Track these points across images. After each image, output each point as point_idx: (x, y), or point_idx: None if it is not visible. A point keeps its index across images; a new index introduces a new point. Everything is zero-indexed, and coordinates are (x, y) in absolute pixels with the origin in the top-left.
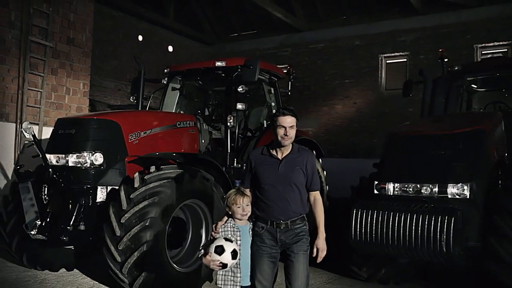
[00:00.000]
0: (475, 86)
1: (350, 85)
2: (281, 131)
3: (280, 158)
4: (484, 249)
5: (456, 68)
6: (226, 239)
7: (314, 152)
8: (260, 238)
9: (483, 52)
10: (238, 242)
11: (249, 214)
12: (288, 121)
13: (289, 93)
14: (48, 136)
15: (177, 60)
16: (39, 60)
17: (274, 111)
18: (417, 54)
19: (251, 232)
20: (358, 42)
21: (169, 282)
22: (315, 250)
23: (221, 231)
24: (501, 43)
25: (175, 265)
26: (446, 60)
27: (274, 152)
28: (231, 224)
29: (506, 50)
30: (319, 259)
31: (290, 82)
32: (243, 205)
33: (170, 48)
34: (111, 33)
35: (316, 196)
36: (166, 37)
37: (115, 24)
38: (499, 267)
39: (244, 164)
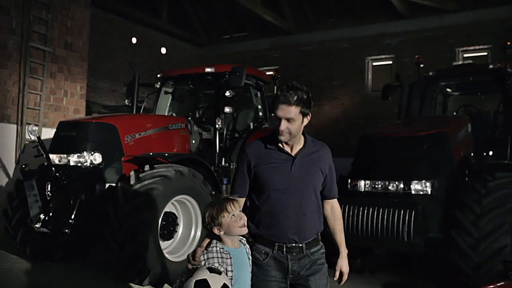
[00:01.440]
0: (450, 90)
1: (337, 86)
2: (276, 124)
3: (293, 154)
4: (444, 240)
5: (430, 73)
6: (212, 270)
7: None
8: (263, 269)
9: (464, 55)
10: (230, 273)
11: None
12: (287, 111)
13: (275, 96)
14: (47, 137)
15: (170, 61)
16: (39, 64)
17: (260, 113)
18: (402, 57)
19: (250, 258)
20: (345, 45)
21: (161, 270)
22: (337, 273)
23: (204, 260)
24: (480, 47)
25: (167, 255)
26: (422, 65)
27: (282, 146)
28: (217, 248)
29: (486, 54)
30: (342, 283)
31: (276, 86)
32: (237, 211)
33: (163, 50)
34: (106, 36)
35: (334, 205)
36: (159, 39)
37: (109, 27)
38: (458, 255)
39: (232, 163)
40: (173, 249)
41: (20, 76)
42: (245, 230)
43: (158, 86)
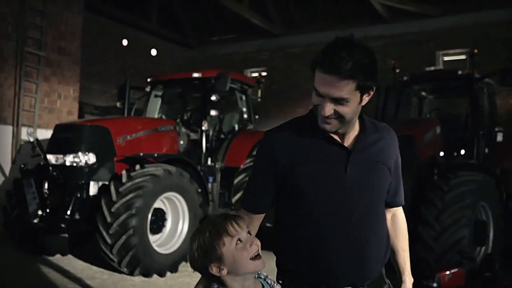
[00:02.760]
0: (424, 94)
1: None
2: (315, 102)
3: (348, 146)
4: (411, 234)
5: (405, 78)
6: None
7: None
8: None
9: (444, 59)
10: None
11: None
12: (336, 86)
13: (259, 99)
14: (41, 137)
15: (160, 63)
16: (33, 68)
17: (245, 116)
18: (385, 59)
19: None
20: None
21: (151, 261)
22: None
23: None
24: (460, 50)
25: (156, 248)
26: (397, 70)
27: (332, 134)
28: None
29: (465, 57)
30: None
31: (259, 90)
32: (244, 233)
33: (154, 52)
34: (98, 39)
35: (397, 215)
36: (150, 41)
37: (101, 30)
38: (423, 247)
39: (217, 162)
40: (162, 242)
41: (15, 79)
42: (260, 264)
43: (148, 90)
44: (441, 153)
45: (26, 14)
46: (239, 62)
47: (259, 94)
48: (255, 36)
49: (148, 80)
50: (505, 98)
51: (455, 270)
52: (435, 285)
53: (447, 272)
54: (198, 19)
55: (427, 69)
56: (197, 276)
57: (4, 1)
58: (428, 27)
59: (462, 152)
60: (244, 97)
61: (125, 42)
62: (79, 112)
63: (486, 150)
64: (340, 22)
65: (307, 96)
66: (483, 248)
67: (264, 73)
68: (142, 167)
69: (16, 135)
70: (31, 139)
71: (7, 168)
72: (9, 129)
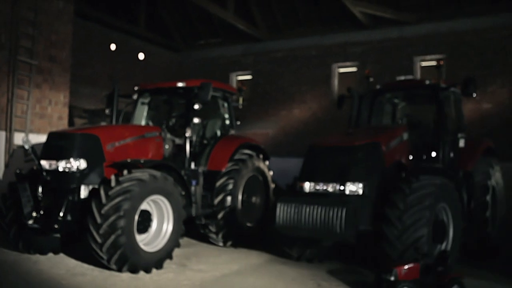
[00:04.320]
0: (397, 101)
1: (306, 91)
2: None
3: None
4: (376, 232)
5: (377, 87)
6: None
7: (261, 156)
8: None
9: (422, 64)
10: None
11: None
12: None
13: (240, 106)
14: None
15: (147, 66)
16: (25, 76)
17: (227, 122)
18: (365, 64)
19: None
20: (313, 52)
21: (137, 259)
22: None
23: None
24: (436, 56)
25: (142, 246)
26: (371, 79)
27: None
28: None
29: (441, 63)
30: None
31: (241, 97)
32: None
33: (141, 56)
34: (86, 43)
35: None
36: (137, 45)
37: (89, 35)
38: (386, 244)
39: (200, 166)
40: (148, 241)
41: (8, 87)
42: None
43: (135, 97)
44: (410, 157)
45: (18, 24)
46: (225, 66)
47: (240, 101)
48: (240, 41)
49: (135, 88)
50: (479, 102)
51: (411, 265)
52: (392, 278)
53: (404, 267)
54: (184, 24)
55: (398, 78)
56: (181, 272)
57: None
58: (406, 33)
59: (433, 154)
60: (226, 104)
61: (113, 47)
62: (69, 116)
63: (452, 155)
64: (322, 28)
65: (290, 98)
66: (444, 244)
67: (249, 77)
68: (129, 172)
69: (9, 140)
70: (26, 146)
71: (0, 172)
72: (2, 135)
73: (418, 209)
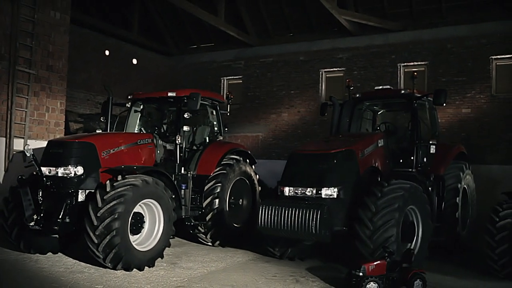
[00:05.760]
0: (376, 108)
1: (295, 95)
2: None
3: None
4: (350, 232)
5: (357, 95)
6: None
7: (248, 160)
8: None
9: (405, 70)
10: None
11: None
12: None
13: (228, 113)
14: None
15: (141, 70)
16: (24, 85)
17: (215, 129)
18: (351, 70)
19: None
20: (302, 57)
21: (131, 257)
22: None
23: None
24: (419, 62)
25: (136, 246)
26: (351, 88)
27: None
28: None
29: (423, 69)
30: None
31: (229, 105)
32: None
33: (135, 61)
34: (81, 49)
35: None
36: (131, 50)
37: (84, 41)
38: (359, 243)
39: (190, 171)
40: (141, 241)
41: (8, 95)
42: None
43: (128, 106)
44: (387, 162)
45: (17, 35)
46: (216, 70)
47: (228, 109)
48: (231, 46)
49: (129, 97)
50: (459, 107)
51: (378, 262)
52: (361, 274)
53: (372, 264)
54: (177, 29)
55: (376, 87)
56: (171, 269)
57: None
58: (390, 40)
59: (407, 159)
60: (214, 112)
61: (107, 53)
62: (64, 121)
63: (425, 159)
64: (310, 35)
65: (279, 102)
66: (413, 243)
67: (239, 81)
68: (123, 177)
69: (8, 146)
70: (28, 154)
71: (0, 176)
72: (2, 141)
73: (388, 211)
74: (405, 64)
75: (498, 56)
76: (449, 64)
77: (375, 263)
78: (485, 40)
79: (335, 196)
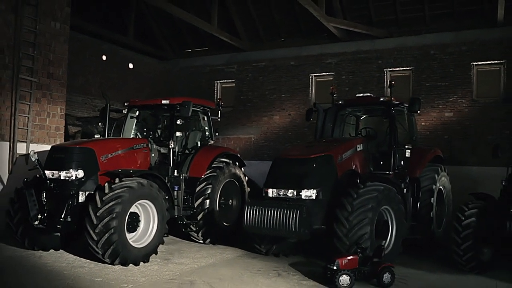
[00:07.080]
0: (358, 114)
1: (286, 99)
2: None
3: None
4: (328, 230)
5: (340, 102)
6: None
7: (237, 163)
8: None
9: (392, 75)
10: None
11: None
12: None
13: (219, 119)
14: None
15: (137, 75)
16: (27, 92)
17: (207, 133)
18: (340, 74)
19: None
20: (292, 62)
21: (127, 253)
22: None
23: None
24: (404, 68)
25: (132, 243)
26: (335, 95)
27: None
28: None
29: (408, 74)
30: None
31: (219, 111)
32: None
33: (131, 65)
34: (79, 54)
35: None
36: (127, 55)
37: (82, 46)
38: (337, 240)
39: (182, 173)
40: (137, 239)
41: (12, 102)
42: None
43: (125, 112)
44: (366, 165)
45: (20, 46)
46: (210, 74)
47: (219, 115)
48: (224, 51)
49: (125, 104)
50: (441, 111)
51: (351, 257)
52: (335, 267)
53: (345, 258)
54: (172, 34)
55: (357, 95)
56: (164, 265)
57: (1, 36)
58: (377, 46)
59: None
60: (205, 118)
61: (104, 58)
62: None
63: (402, 162)
64: (300, 40)
65: (271, 105)
66: (387, 240)
67: (232, 84)
68: (120, 180)
69: (12, 150)
70: (33, 159)
71: (5, 178)
72: (6, 145)
73: (362, 211)
74: (391, 69)
75: (479, 63)
76: (432, 69)
77: (348, 257)
78: (466, 47)
79: (314, 197)
